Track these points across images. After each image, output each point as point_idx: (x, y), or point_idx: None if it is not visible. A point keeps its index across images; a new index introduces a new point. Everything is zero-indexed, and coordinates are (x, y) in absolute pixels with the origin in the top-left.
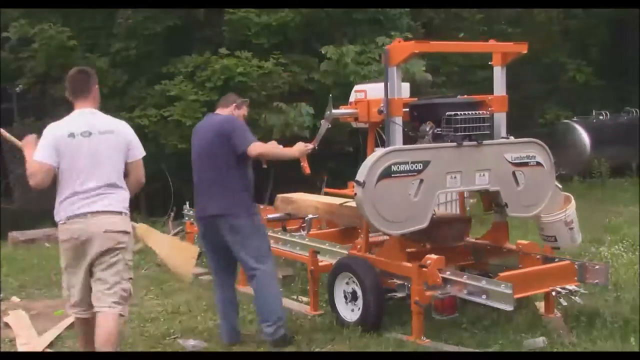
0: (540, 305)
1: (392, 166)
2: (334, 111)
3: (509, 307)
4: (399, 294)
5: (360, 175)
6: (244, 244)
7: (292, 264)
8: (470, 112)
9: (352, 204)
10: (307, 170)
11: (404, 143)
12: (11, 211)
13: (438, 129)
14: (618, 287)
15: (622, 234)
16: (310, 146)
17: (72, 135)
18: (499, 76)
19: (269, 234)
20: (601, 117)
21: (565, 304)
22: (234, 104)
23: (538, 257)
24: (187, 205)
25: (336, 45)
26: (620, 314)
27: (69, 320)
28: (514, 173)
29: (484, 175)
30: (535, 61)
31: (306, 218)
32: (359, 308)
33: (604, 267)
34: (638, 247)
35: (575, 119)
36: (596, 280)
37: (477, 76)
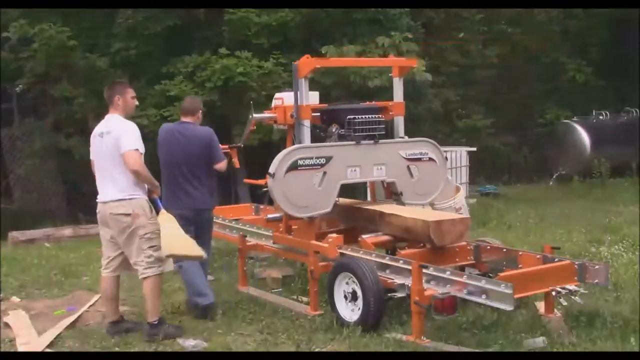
0: (540, 305)
1: (299, 160)
2: (255, 115)
3: (509, 307)
4: (399, 294)
5: (272, 168)
6: (209, 231)
7: (292, 264)
8: (368, 116)
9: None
10: (237, 165)
11: (318, 142)
12: (11, 211)
13: (342, 130)
14: (618, 287)
15: (622, 234)
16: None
17: (95, 136)
18: (397, 85)
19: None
20: (601, 117)
21: (565, 304)
22: (200, 111)
23: (538, 257)
24: None
25: (336, 45)
26: (620, 314)
27: (69, 320)
28: (408, 167)
29: (381, 168)
30: (535, 61)
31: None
32: (359, 308)
33: (604, 267)
34: (638, 247)
35: (575, 119)
36: (596, 280)
37: (476, 75)
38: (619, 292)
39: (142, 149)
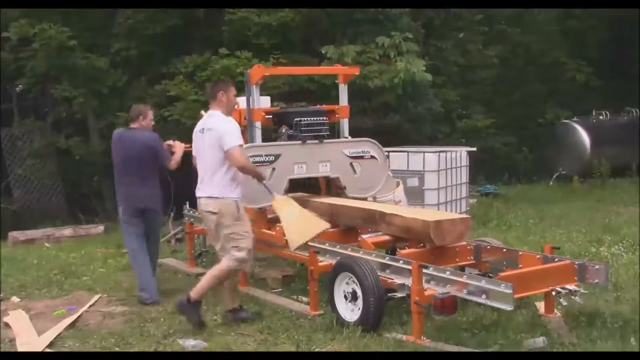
0: (540, 305)
1: (249, 158)
2: None
3: (509, 307)
4: (399, 294)
5: None
6: (159, 228)
7: (292, 264)
8: (313, 118)
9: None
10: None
11: (270, 141)
12: (11, 211)
13: (290, 131)
14: (618, 287)
15: (622, 234)
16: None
17: (196, 132)
18: (343, 91)
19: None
20: (601, 117)
21: (565, 304)
22: (142, 116)
23: (538, 257)
24: (187, 205)
25: (336, 45)
26: (620, 314)
27: (69, 320)
28: (351, 164)
29: (326, 165)
30: (535, 61)
31: None
32: (359, 308)
33: (604, 267)
34: (638, 247)
35: (575, 119)
36: (596, 280)
37: (477, 75)
38: (619, 292)
39: (243, 144)
